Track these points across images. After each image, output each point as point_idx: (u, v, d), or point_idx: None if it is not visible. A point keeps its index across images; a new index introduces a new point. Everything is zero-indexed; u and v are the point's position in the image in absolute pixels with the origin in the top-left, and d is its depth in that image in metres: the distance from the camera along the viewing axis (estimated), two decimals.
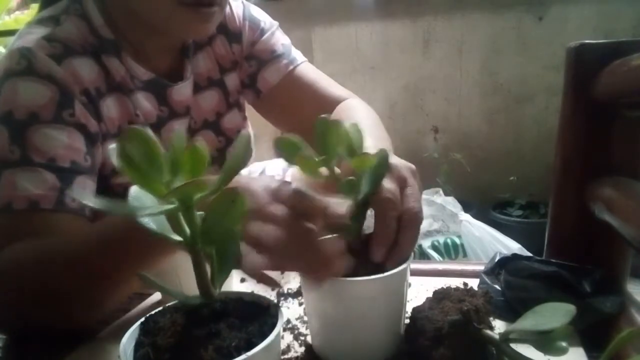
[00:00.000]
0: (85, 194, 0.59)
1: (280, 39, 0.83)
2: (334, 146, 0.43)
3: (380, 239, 0.45)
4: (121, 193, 0.32)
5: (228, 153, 0.84)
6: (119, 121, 0.68)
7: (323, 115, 0.44)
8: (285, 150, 0.44)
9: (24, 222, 0.56)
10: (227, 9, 0.78)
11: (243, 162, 0.34)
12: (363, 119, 0.69)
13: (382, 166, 0.44)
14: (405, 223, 0.45)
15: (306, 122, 0.84)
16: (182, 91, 0.75)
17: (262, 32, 0.82)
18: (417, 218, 0.46)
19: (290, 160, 0.43)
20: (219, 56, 0.80)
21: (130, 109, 0.69)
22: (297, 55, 0.83)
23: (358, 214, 0.45)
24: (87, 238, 0.53)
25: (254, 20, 0.82)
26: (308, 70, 0.83)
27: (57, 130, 0.58)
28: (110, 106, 0.67)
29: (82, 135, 0.61)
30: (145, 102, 0.71)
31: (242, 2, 0.83)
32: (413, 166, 0.50)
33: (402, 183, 0.47)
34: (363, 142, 0.45)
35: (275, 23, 0.85)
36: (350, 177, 0.44)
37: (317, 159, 0.43)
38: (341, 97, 0.82)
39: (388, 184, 0.45)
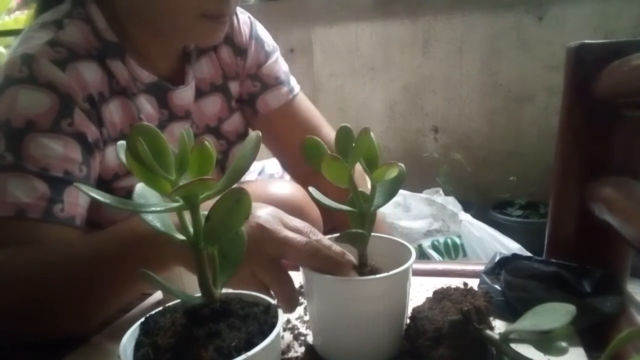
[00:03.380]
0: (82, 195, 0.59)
1: (282, 65, 0.87)
2: (355, 154, 0.44)
3: None
4: (123, 197, 0.32)
5: (231, 154, 0.85)
6: (122, 125, 0.68)
7: (345, 124, 0.45)
8: (311, 153, 0.44)
9: (9, 229, 0.55)
10: (235, 22, 0.80)
11: (250, 162, 0.34)
12: None
13: (400, 180, 0.45)
14: None
15: (294, 148, 0.88)
16: (182, 95, 0.75)
17: (267, 55, 0.84)
18: None
19: (315, 162, 0.44)
20: (224, 64, 0.80)
21: (134, 113, 0.69)
22: (294, 83, 0.87)
23: (366, 224, 0.46)
24: (91, 246, 0.52)
25: (260, 42, 0.83)
26: (303, 101, 0.89)
27: (53, 140, 0.57)
28: (112, 111, 0.66)
29: (79, 145, 0.60)
30: (147, 105, 0.71)
31: (250, 18, 0.84)
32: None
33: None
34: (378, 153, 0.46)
35: (277, 46, 0.87)
36: (362, 190, 0.45)
37: (344, 163, 0.43)
38: (331, 139, 0.88)
39: None
